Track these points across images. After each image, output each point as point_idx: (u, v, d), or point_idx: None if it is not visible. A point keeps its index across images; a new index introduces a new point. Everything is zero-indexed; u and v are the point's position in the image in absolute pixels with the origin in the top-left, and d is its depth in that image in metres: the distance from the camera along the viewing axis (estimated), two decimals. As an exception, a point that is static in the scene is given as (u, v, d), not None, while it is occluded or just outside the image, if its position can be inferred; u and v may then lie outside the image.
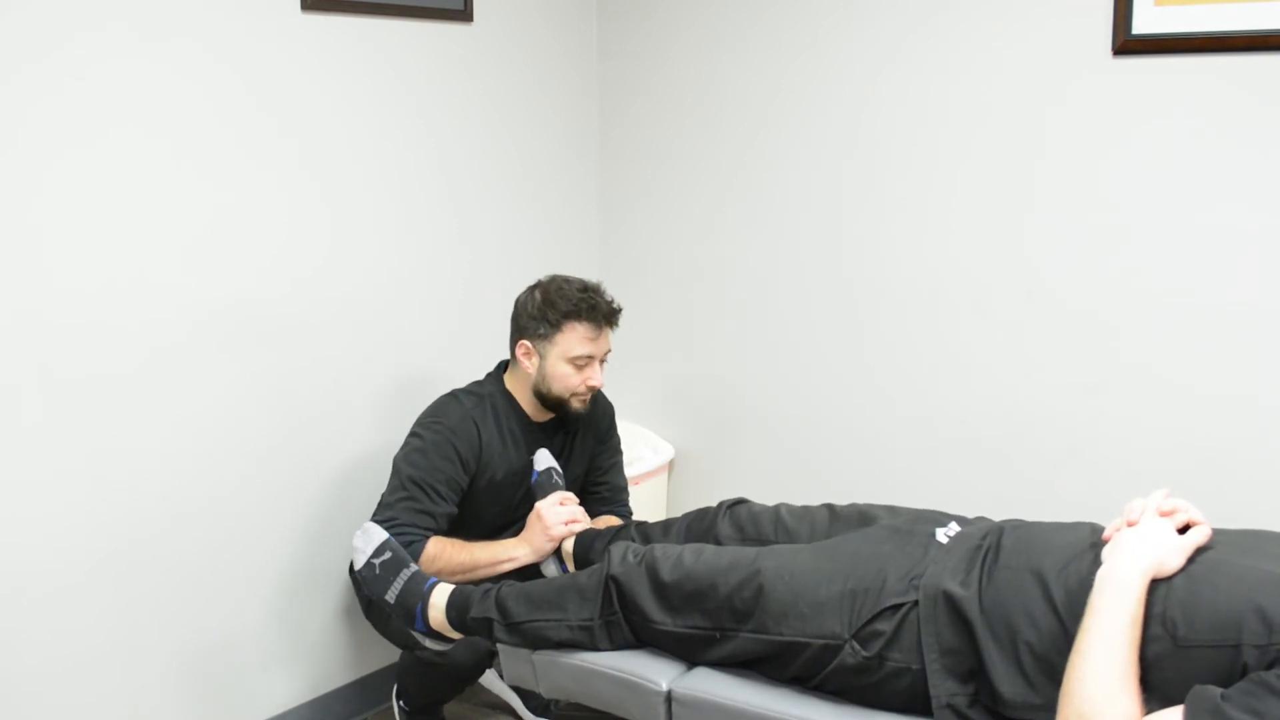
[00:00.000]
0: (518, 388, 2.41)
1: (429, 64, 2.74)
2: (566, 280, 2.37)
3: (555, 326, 2.31)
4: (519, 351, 2.37)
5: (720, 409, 3.20)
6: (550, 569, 2.26)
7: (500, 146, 2.97)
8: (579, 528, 2.22)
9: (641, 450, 3.26)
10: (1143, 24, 2.44)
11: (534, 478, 2.37)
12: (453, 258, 2.86)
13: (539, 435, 2.44)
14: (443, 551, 2.22)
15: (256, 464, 2.46)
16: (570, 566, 2.22)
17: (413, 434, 2.34)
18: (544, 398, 2.37)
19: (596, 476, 2.57)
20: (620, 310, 2.38)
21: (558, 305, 2.31)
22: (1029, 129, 2.62)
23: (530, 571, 2.26)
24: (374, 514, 2.27)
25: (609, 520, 2.47)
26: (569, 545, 2.24)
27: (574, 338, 2.31)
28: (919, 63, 2.74)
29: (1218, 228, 2.44)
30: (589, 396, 2.39)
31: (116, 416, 2.21)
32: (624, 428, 3.30)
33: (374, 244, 2.66)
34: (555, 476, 2.36)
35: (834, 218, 2.92)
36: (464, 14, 2.80)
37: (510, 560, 2.24)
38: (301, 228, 2.50)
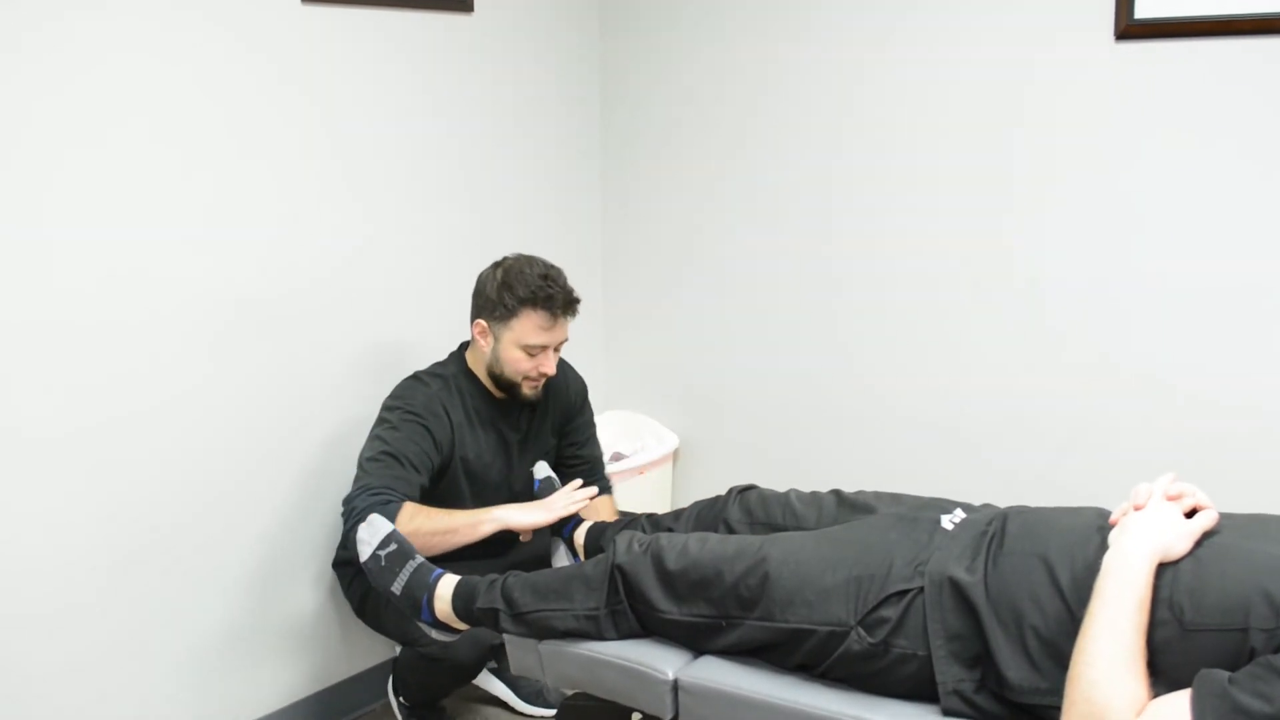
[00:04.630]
0: (478, 366, 2.41)
1: (429, 54, 2.74)
2: (530, 262, 2.33)
3: (511, 312, 2.29)
4: (475, 330, 2.37)
5: (724, 398, 3.20)
6: (561, 561, 2.27)
7: (502, 136, 2.96)
8: (575, 507, 2.23)
9: (646, 440, 3.26)
10: (1145, 8, 2.44)
11: (536, 486, 2.41)
12: (453, 250, 2.85)
13: (502, 411, 2.44)
14: (419, 511, 2.18)
15: (257, 462, 2.46)
16: (582, 558, 2.24)
17: (380, 419, 2.33)
18: (496, 379, 2.37)
19: (573, 451, 2.57)
20: (579, 300, 2.34)
21: (516, 290, 2.28)
22: (1031, 115, 2.61)
23: (535, 564, 2.26)
24: (352, 487, 2.23)
25: (607, 503, 2.50)
26: (580, 537, 2.25)
27: (529, 325, 2.29)
28: (921, 48, 2.74)
29: (1221, 213, 2.43)
30: (540, 383, 2.37)
31: (119, 414, 2.20)
32: (628, 417, 3.33)
33: (374, 235, 2.66)
34: (557, 484, 2.40)
35: (839, 207, 2.92)
36: (464, 3, 2.80)
37: (491, 520, 2.20)
38: (301, 220, 2.49)
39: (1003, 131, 2.66)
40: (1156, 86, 2.46)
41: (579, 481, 2.32)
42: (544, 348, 2.31)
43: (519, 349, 2.30)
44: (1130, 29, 2.45)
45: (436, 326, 2.80)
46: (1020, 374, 2.70)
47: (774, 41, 2.95)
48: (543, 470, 2.44)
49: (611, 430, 3.22)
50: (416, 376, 2.42)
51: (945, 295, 2.79)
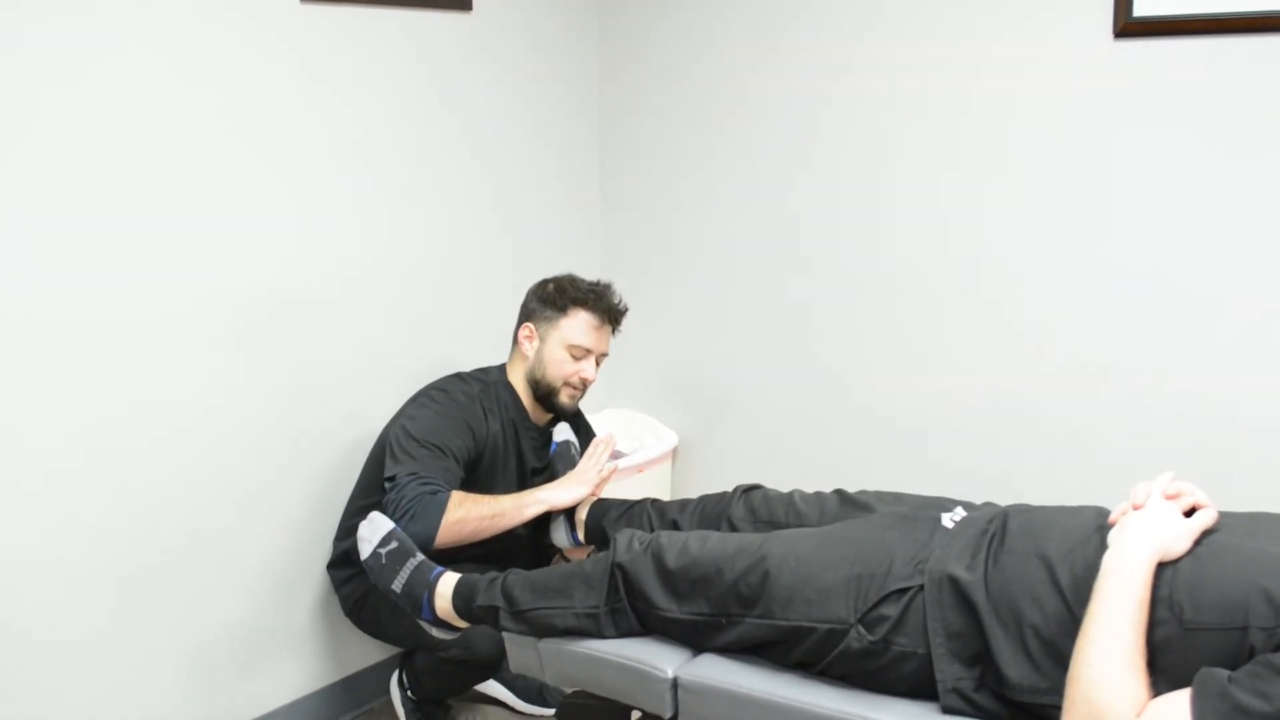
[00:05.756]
0: (518, 377, 2.45)
1: (427, 53, 2.73)
2: (582, 277, 2.46)
3: (562, 311, 2.38)
4: (522, 333, 2.42)
5: (724, 396, 3.20)
6: (560, 535, 2.30)
7: (500, 135, 2.96)
8: (610, 478, 2.30)
9: (645, 438, 3.26)
10: (1144, 6, 2.44)
11: (553, 449, 2.45)
12: (451, 248, 2.85)
13: (533, 434, 2.47)
14: (466, 498, 2.21)
15: (263, 464, 2.46)
16: (580, 534, 2.27)
17: (419, 404, 2.35)
18: (536, 384, 2.41)
19: None
20: (625, 312, 2.45)
21: (568, 291, 2.39)
22: (1030, 112, 2.61)
23: (537, 561, 2.26)
24: (388, 474, 2.24)
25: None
26: (581, 513, 2.28)
27: (577, 324, 2.37)
28: (920, 44, 2.74)
29: (1218, 211, 2.44)
30: (579, 393, 2.43)
31: (127, 416, 2.20)
32: (627, 415, 3.33)
33: (373, 234, 2.66)
34: (573, 450, 2.44)
35: (836, 203, 2.92)
36: (463, 1, 2.79)
37: (536, 503, 2.25)
38: (299, 219, 2.49)
39: (1002, 129, 2.66)
40: (1155, 84, 2.46)
41: (598, 440, 2.34)
42: (588, 352, 2.39)
43: (564, 349, 2.38)
44: (1129, 27, 2.46)
45: (436, 327, 2.81)
46: (1021, 373, 2.71)
47: (775, 36, 2.95)
48: (562, 433, 2.47)
49: (611, 429, 3.22)
50: (460, 375, 2.45)
51: (945, 293, 2.79)
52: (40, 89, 2.03)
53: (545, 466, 2.50)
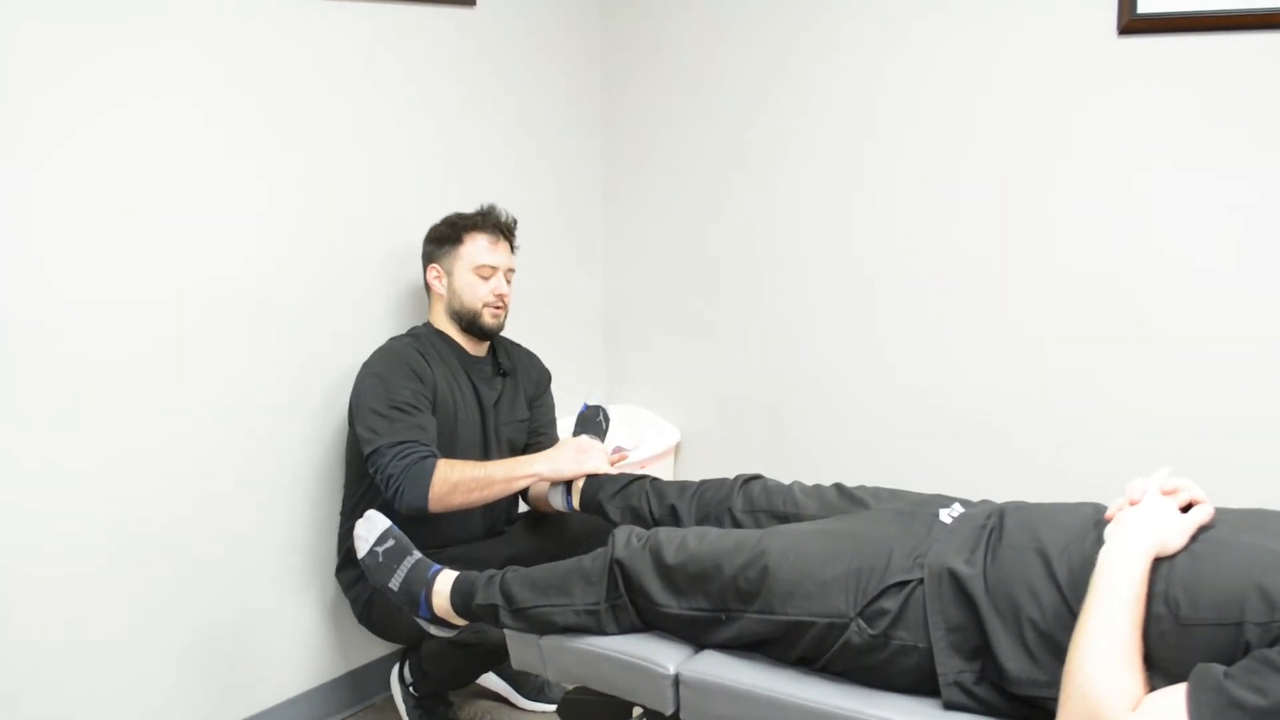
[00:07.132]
0: (442, 319, 2.54)
1: (430, 49, 2.74)
2: (463, 210, 2.57)
3: (458, 241, 2.49)
4: (430, 277, 2.53)
5: (726, 392, 3.21)
6: (556, 498, 2.34)
7: (503, 132, 2.97)
8: (608, 471, 2.32)
9: (647, 433, 3.26)
10: (1148, 3, 2.44)
11: (582, 408, 2.54)
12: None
13: (478, 370, 2.53)
14: (454, 466, 2.27)
15: (264, 457, 2.47)
16: (575, 501, 2.29)
17: (363, 377, 2.40)
18: (460, 316, 2.50)
19: (538, 429, 2.67)
20: (515, 223, 2.56)
21: (458, 223, 2.51)
22: (1034, 109, 2.61)
23: (536, 558, 2.27)
24: (368, 451, 2.28)
25: None
26: (579, 481, 2.30)
27: (476, 247, 2.49)
28: (924, 42, 2.74)
29: (1223, 207, 2.43)
30: (500, 311, 2.51)
31: (128, 407, 2.21)
32: (630, 411, 3.33)
33: (378, 226, 2.66)
34: (601, 416, 2.54)
35: (838, 199, 2.92)
36: (466, -1, 2.80)
37: (526, 476, 2.30)
38: (305, 211, 2.50)
39: (1005, 125, 2.65)
40: (1159, 81, 2.46)
41: (618, 448, 2.43)
42: (494, 269, 2.49)
43: (471, 273, 2.48)
44: (1133, 24, 2.45)
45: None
46: (1021, 368, 2.71)
47: (778, 32, 2.95)
48: (596, 398, 2.58)
49: (612, 424, 3.23)
50: (390, 339, 2.52)
51: (946, 289, 2.79)
52: (40, 82, 2.03)
53: (502, 393, 2.56)
